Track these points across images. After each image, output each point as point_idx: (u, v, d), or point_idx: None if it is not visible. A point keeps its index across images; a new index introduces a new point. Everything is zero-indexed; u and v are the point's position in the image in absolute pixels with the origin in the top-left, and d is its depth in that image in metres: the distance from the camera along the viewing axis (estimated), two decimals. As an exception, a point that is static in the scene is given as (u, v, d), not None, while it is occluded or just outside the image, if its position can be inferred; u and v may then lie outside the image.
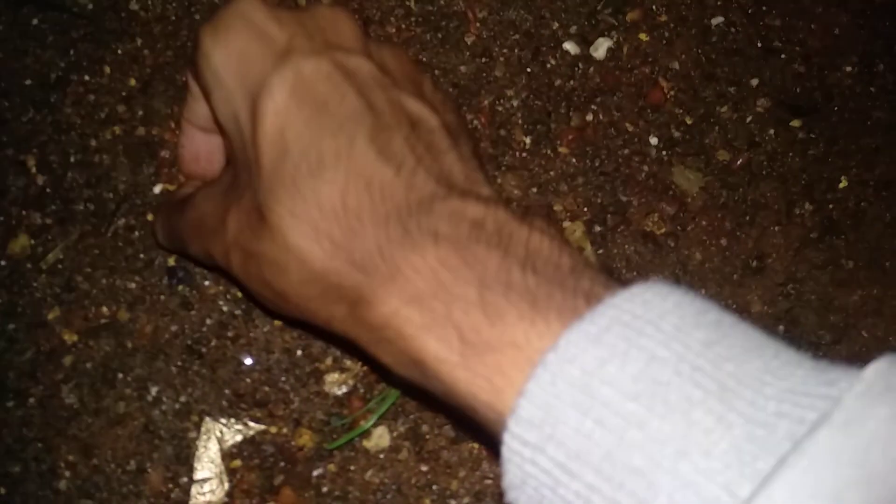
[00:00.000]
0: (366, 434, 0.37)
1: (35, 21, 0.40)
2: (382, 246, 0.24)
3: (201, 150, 0.36)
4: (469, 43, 0.41)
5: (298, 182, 0.25)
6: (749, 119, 0.42)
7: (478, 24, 0.41)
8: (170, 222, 0.33)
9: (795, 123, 0.42)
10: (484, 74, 0.41)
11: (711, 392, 0.19)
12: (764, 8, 0.43)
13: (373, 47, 0.29)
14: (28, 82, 0.39)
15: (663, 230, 0.40)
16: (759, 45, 0.43)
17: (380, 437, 0.37)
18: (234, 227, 0.27)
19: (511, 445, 0.20)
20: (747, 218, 0.40)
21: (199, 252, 0.30)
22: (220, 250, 0.28)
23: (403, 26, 0.41)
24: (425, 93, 0.31)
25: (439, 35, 0.41)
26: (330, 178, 0.25)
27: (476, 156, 0.28)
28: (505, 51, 0.41)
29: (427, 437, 0.37)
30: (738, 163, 0.41)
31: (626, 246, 0.40)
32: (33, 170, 0.38)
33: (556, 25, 0.42)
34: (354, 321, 0.25)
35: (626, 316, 0.20)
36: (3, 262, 0.37)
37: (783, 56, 0.43)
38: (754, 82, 0.42)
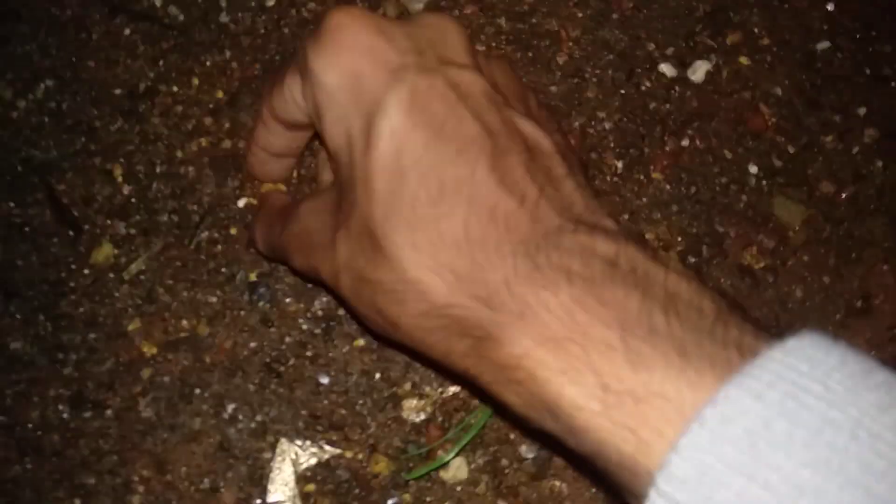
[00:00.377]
0: (443, 464, 0.35)
1: (127, 31, 0.40)
2: (510, 280, 0.22)
3: (272, 172, 0.36)
4: (561, 62, 0.40)
5: (418, 211, 0.24)
6: (855, 150, 0.39)
7: (570, 44, 0.40)
8: (271, 231, 0.33)
9: (906, 156, 0.39)
10: (576, 95, 0.40)
11: (895, 463, 0.17)
12: (873, 33, 0.41)
13: (482, 60, 0.28)
14: (117, 91, 0.39)
15: (762, 264, 0.38)
16: (868, 71, 0.40)
17: (457, 469, 0.35)
18: (346, 251, 0.26)
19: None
20: (852, 255, 0.38)
21: (303, 266, 0.29)
22: (329, 270, 0.27)
23: (493, 44, 0.40)
24: (532, 110, 0.30)
25: (530, 54, 0.40)
26: (452, 207, 0.23)
27: (588, 180, 0.27)
28: (598, 71, 0.40)
29: (506, 471, 0.36)
30: (844, 196, 0.39)
31: (722, 279, 0.38)
32: (119, 179, 0.38)
33: (652, 46, 0.40)
34: (478, 358, 0.24)
35: (790, 373, 0.19)
36: (86, 271, 0.37)
37: (893, 84, 0.40)
38: (861, 111, 0.40)
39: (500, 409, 0.31)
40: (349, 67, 0.26)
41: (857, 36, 0.41)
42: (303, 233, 0.29)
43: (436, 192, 0.24)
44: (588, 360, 0.21)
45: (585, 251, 0.23)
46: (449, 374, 0.32)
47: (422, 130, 0.24)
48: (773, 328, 0.37)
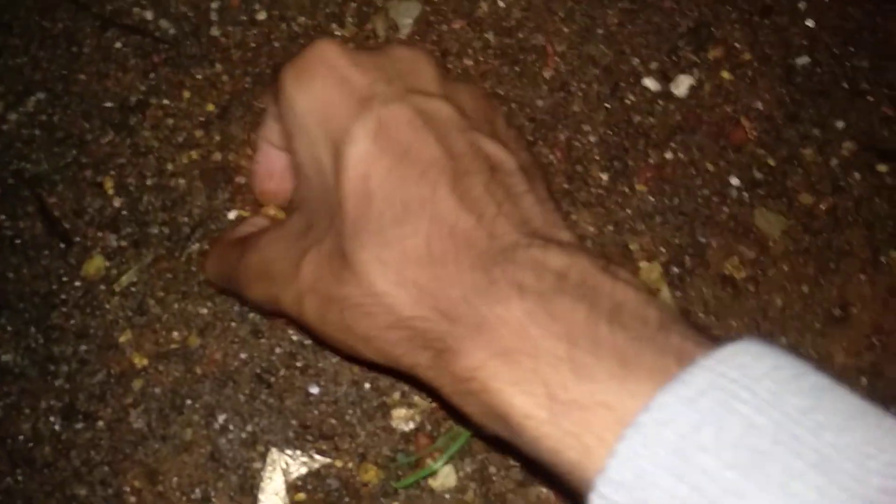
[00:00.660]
0: (432, 473, 0.36)
1: (118, 44, 0.41)
2: (468, 295, 0.24)
3: (276, 167, 0.36)
4: (547, 77, 0.41)
5: (384, 228, 0.25)
6: (834, 162, 0.40)
7: (556, 58, 0.41)
8: (225, 263, 0.33)
9: (882, 168, 0.40)
10: (561, 109, 0.40)
11: (812, 463, 0.18)
12: (851, 49, 0.42)
13: (450, 87, 0.30)
14: (108, 104, 0.40)
15: (743, 274, 0.39)
16: (846, 86, 0.41)
17: (446, 477, 0.36)
18: (312, 272, 0.27)
19: None
20: (831, 265, 0.39)
21: (260, 296, 0.30)
22: (292, 295, 0.28)
23: (481, 59, 0.41)
24: (499, 131, 0.31)
25: (517, 68, 0.41)
26: (415, 226, 0.25)
27: (551, 195, 0.28)
28: (583, 85, 0.41)
29: (494, 478, 0.36)
30: (822, 207, 0.40)
31: (705, 289, 0.39)
32: (110, 192, 0.39)
33: (636, 61, 0.41)
34: (439, 370, 0.25)
35: (721, 379, 0.20)
36: (77, 283, 0.38)
37: (870, 98, 0.41)
38: (840, 124, 0.41)
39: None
40: (320, 96, 0.27)
41: (836, 51, 0.42)
42: (263, 262, 0.30)
43: (400, 212, 0.25)
44: (538, 372, 0.22)
45: (538, 265, 0.24)
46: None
47: (387, 155, 0.26)
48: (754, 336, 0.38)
